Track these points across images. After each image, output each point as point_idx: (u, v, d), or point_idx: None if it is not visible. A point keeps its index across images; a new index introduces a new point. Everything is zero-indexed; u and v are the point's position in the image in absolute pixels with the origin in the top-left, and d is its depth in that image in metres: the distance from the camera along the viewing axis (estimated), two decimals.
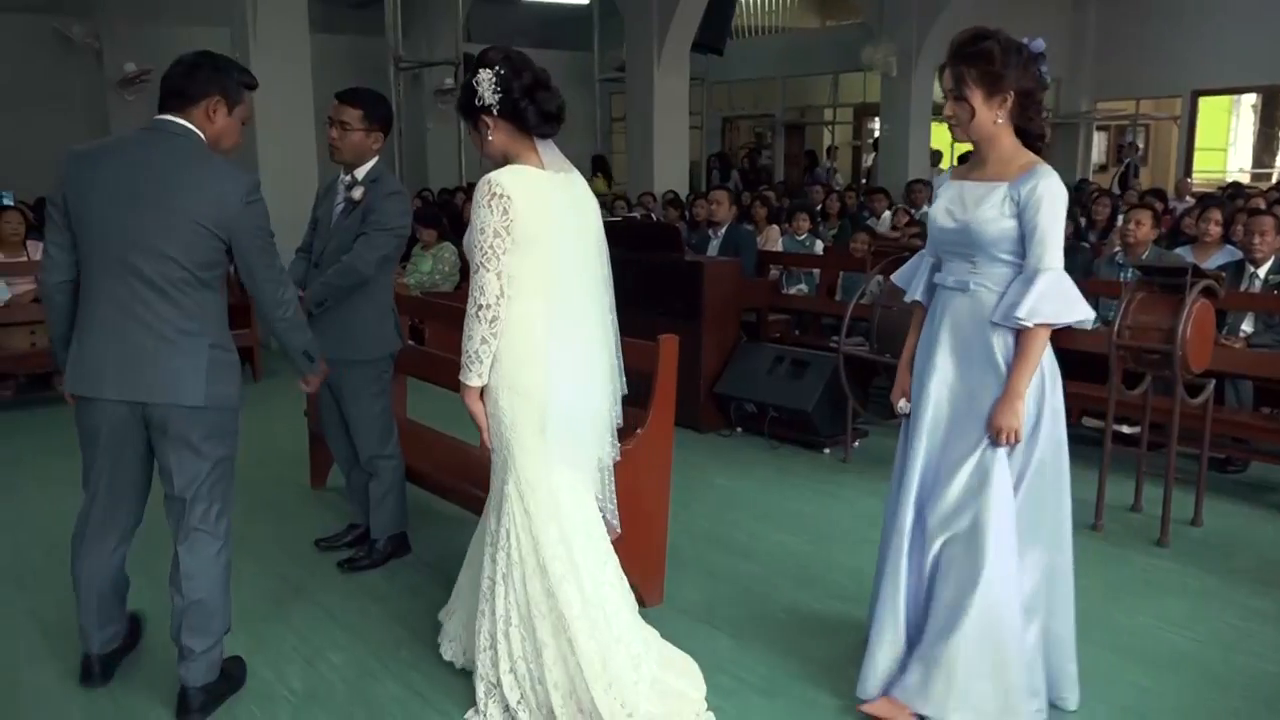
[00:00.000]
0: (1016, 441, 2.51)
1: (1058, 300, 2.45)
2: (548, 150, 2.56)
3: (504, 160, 2.55)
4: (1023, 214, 2.48)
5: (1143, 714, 2.79)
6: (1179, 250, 5.81)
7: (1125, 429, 4.85)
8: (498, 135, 2.53)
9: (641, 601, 3.30)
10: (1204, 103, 15.46)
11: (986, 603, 2.51)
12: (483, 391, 2.55)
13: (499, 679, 2.59)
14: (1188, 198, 11.26)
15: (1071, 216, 8.08)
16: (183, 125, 2.62)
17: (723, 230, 6.73)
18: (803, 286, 7.18)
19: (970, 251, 2.57)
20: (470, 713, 2.69)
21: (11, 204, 7.74)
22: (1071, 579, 2.71)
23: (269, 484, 4.68)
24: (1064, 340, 5.21)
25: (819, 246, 7.72)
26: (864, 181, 15.39)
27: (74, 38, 12.18)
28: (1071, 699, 2.74)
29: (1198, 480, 4.21)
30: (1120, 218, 7.30)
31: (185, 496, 2.65)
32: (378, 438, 3.62)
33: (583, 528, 2.59)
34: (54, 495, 4.42)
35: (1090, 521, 4.15)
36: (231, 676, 2.84)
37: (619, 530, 2.72)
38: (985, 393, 2.55)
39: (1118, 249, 5.66)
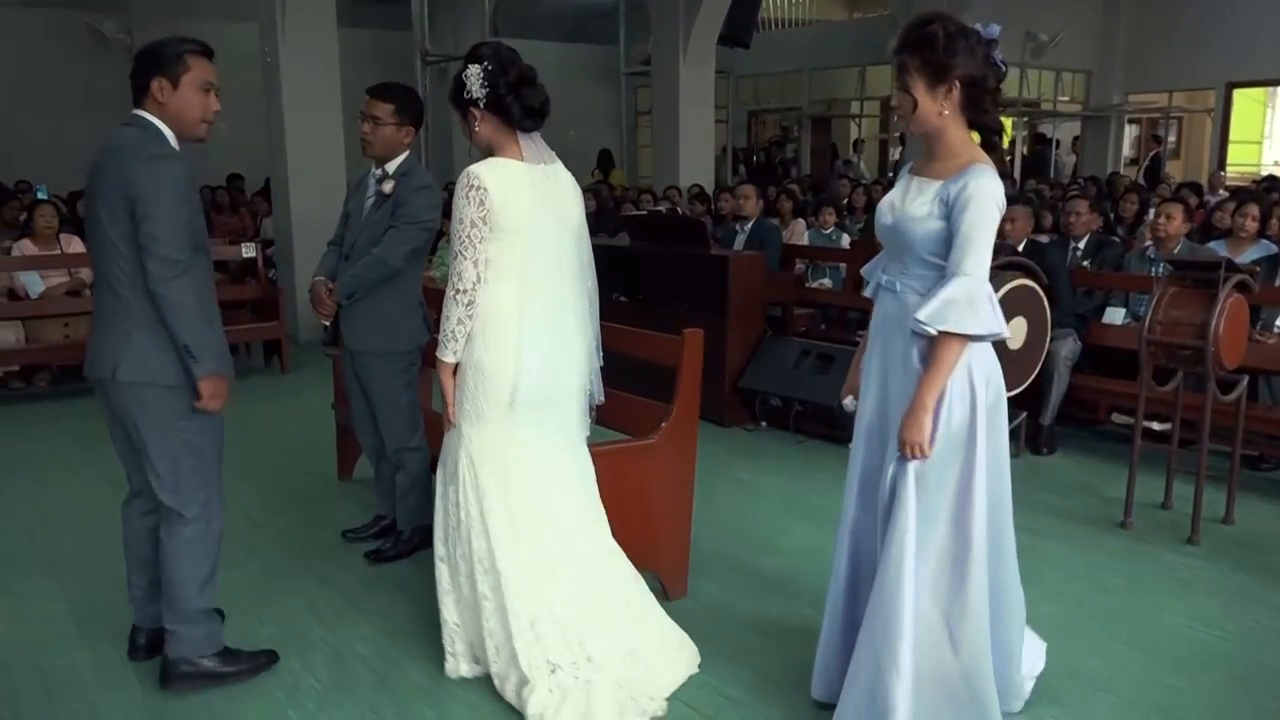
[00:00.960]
0: (922, 456, 2.33)
1: (964, 308, 2.27)
2: (531, 142, 2.73)
3: (489, 150, 2.72)
4: (950, 215, 2.31)
5: (1172, 713, 2.76)
6: (1212, 244, 5.73)
7: (1156, 426, 4.79)
8: (484, 127, 2.71)
9: (665, 594, 3.33)
10: (1238, 95, 15.19)
11: (873, 627, 2.41)
12: (456, 367, 2.73)
13: (459, 621, 2.85)
14: (1221, 191, 11.11)
15: (1101, 211, 7.99)
16: (136, 114, 2.67)
17: (749, 224, 6.71)
18: (826, 280, 7.14)
19: (901, 250, 2.44)
20: (448, 658, 2.89)
21: (45, 198, 7.84)
22: (1020, 590, 2.61)
23: (297, 475, 4.73)
24: (1094, 335, 5.22)
25: (845, 240, 7.68)
26: (891, 175, 15.28)
27: (106, 33, 12.33)
28: (1016, 704, 2.67)
29: (1229, 478, 4.16)
30: (1150, 212, 7.20)
31: (144, 471, 2.75)
32: (405, 429, 3.64)
33: (538, 499, 2.74)
34: (87, 484, 4.49)
35: (1119, 519, 4.11)
36: (217, 674, 2.84)
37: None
38: (901, 401, 2.41)
39: (1148, 243, 5.60)
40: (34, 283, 6.43)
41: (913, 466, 2.35)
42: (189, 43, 2.71)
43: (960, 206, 2.28)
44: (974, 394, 2.37)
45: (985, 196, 2.27)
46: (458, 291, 2.66)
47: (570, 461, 2.84)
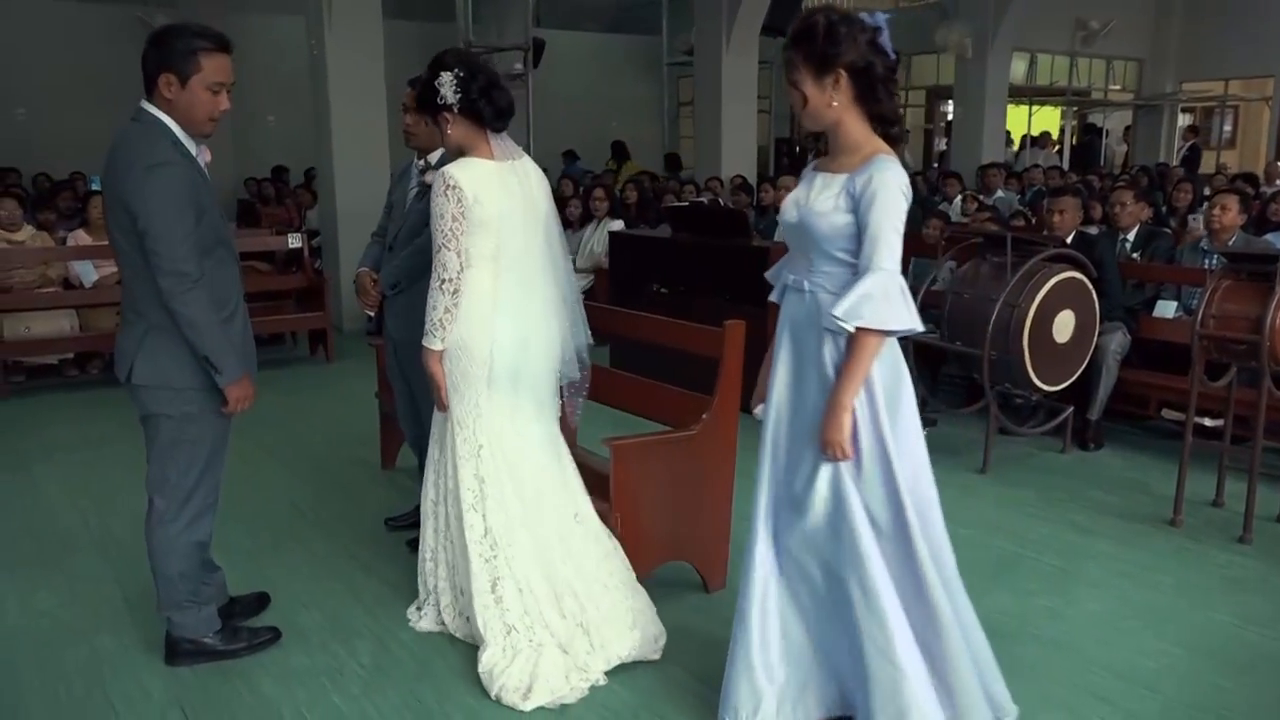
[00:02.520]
0: (844, 457, 2.28)
1: (880, 304, 2.21)
2: (500, 141, 2.93)
3: (459, 151, 2.91)
4: (857, 209, 2.25)
5: (1221, 714, 2.71)
6: (1269, 236, 5.59)
7: (1207, 422, 4.69)
8: (455, 130, 2.89)
9: (704, 586, 3.33)
10: None
11: (890, 660, 2.31)
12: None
13: (436, 585, 3.09)
14: (1278, 182, 10.83)
15: (1151, 202, 7.83)
16: (141, 109, 2.66)
17: None
18: None
19: (808, 248, 2.37)
20: (410, 609, 3.19)
21: (99, 189, 8.00)
22: (966, 598, 2.51)
23: (341, 464, 4.79)
24: (1144, 329, 5.12)
25: None
26: (935, 166, 15.10)
27: (157, 27, 12.56)
28: (1010, 710, 2.54)
29: None
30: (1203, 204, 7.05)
31: (149, 462, 2.80)
32: None
33: (506, 471, 2.91)
34: (138, 470, 4.56)
35: (1168, 516, 4.03)
36: (219, 651, 2.93)
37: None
38: (814, 403, 2.36)
39: (1201, 235, 5.48)
40: (87, 272, 6.57)
41: (845, 468, 2.31)
42: (204, 38, 2.63)
43: (868, 201, 2.23)
44: (871, 388, 2.31)
45: (891, 188, 2.22)
46: (443, 281, 2.82)
47: (541, 437, 2.99)
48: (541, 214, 2.96)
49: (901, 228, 2.24)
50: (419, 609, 3.18)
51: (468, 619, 2.97)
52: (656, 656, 2.94)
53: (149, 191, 2.54)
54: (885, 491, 2.33)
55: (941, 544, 2.41)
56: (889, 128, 2.33)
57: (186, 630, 2.91)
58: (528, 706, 2.70)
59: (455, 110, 2.85)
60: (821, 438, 2.30)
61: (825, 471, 2.34)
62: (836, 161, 2.36)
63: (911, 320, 2.26)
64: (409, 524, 3.93)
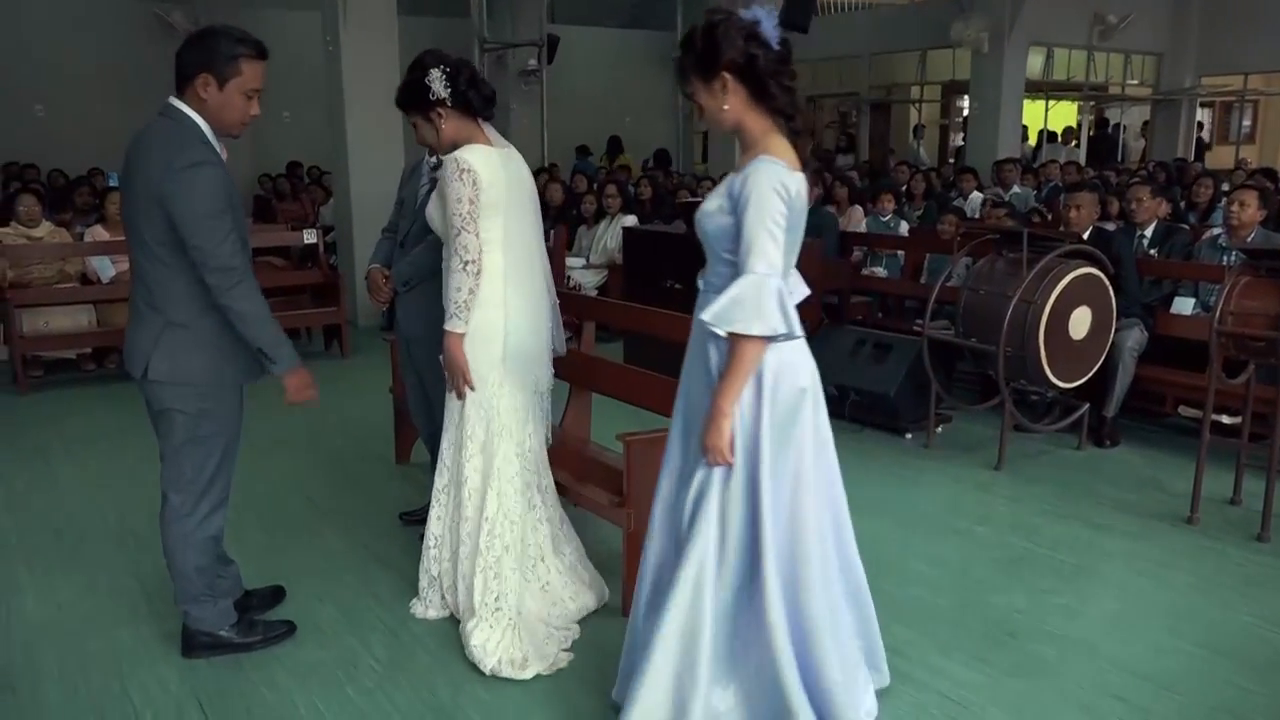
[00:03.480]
0: (724, 463, 2.26)
1: (749, 308, 2.17)
2: (490, 129, 3.06)
3: (454, 146, 2.98)
4: (735, 210, 2.23)
5: (1241, 715, 2.69)
6: None
7: (1225, 419, 4.65)
8: (450, 124, 3.00)
9: None
10: None
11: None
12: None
13: (440, 570, 3.17)
14: None
15: (1169, 198, 7.77)
16: (171, 106, 2.67)
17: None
18: (881, 270, 7.05)
19: (705, 249, 2.36)
20: (413, 602, 3.24)
21: (116, 185, 8.06)
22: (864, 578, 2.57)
23: (355, 459, 4.81)
24: (1161, 326, 5.08)
25: (903, 227, 7.57)
26: (951, 161, 15.02)
27: (174, 23, 12.60)
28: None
29: None
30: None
31: (160, 458, 2.81)
32: None
33: (514, 451, 3.03)
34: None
35: (1185, 514, 4.01)
36: (235, 644, 2.96)
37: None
38: (698, 403, 2.36)
39: (1219, 231, 5.43)
40: (105, 267, 6.61)
41: (717, 473, 2.29)
42: (246, 44, 2.66)
43: (743, 203, 2.20)
44: (760, 395, 2.27)
45: (763, 189, 2.18)
46: (466, 263, 2.89)
47: (536, 412, 3.13)
48: (534, 198, 3.11)
49: (777, 230, 2.19)
50: (423, 600, 3.22)
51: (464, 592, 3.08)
52: (606, 601, 3.21)
53: (191, 190, 2.56)
54: (745, 508, 2.30)
55: (846, 564, 2.49)
56: (789, 122, 2.29)
57: (203, 623, 2.93)
58: (527, 674, 2.83)
59: (448, 104, 2.98)
60: (702, 441, 2.28)
61: (700, 473, 2.33)
62: (740, 161, 2.33)
63: (783, 325, 2.20)
64: (423, 519, 3.91)
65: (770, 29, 2.23)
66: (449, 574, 3.14)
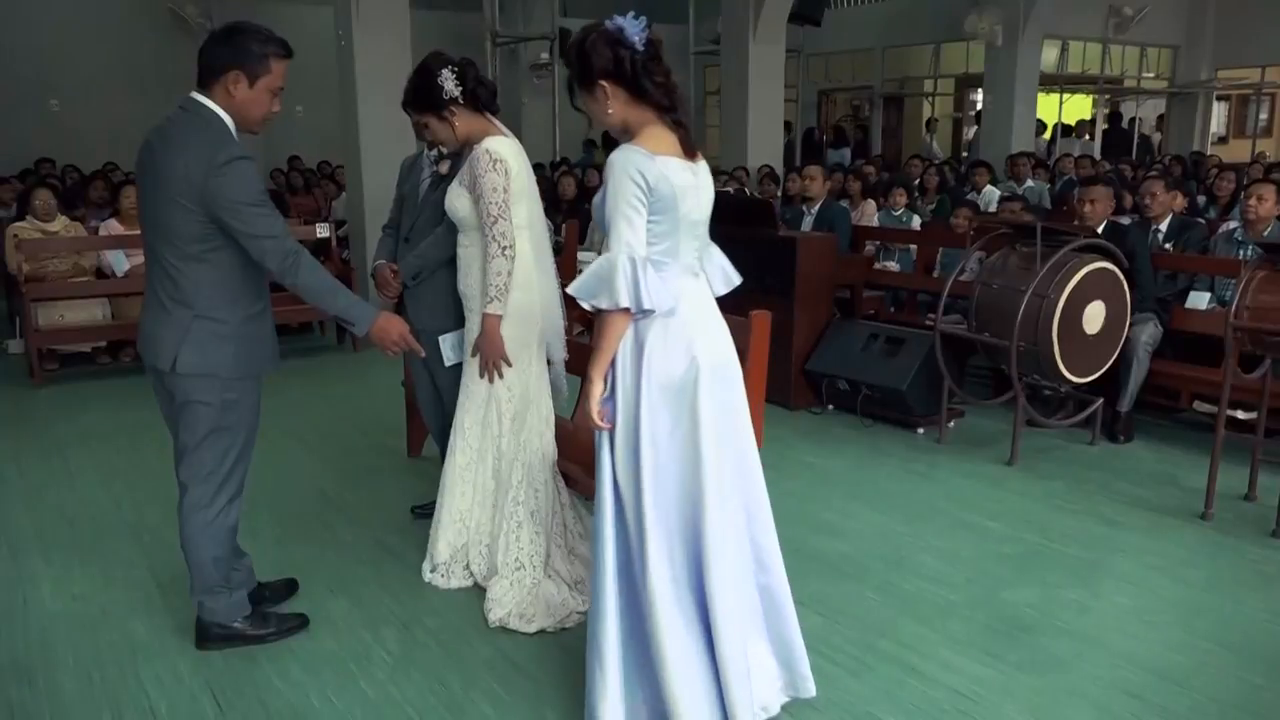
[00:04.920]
0: (598, 427, 2.37)
1: (600, 283, 2.30)
2: (496, 122, 3.22)
3: (466, 141, 3.17)
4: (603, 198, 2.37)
5: (1254, 712, 2.67)
6: None
7: (1240, 414, 4.62)
8: (463, 120, 3.18)
9: None
10: None
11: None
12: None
13: (467, 541, 3.33)
14: None
15: (1185, 191, 7.72)
16: (195, 101, 2.68)
17: (817, 206, 6.64)
18: (894, 264, 7.03)
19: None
20: (424, 566, 3.40)
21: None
22: (782, 564, 2.60)
23: (368, 452, 4.83)
24: (1177, 320, 5.05)
25: (916, 222, 7.54)
26: (965, 155, 14.95)
27: (187, 17, 12.65)
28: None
29: None
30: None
31: (179, 451, 2.84)
32: None
33: (544, 425, 3.26)
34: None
35: (1200, 510, 3.98)
36: (248, 635, 2.98)
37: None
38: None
39: (1235, 225, 5.39)
40: (119, 261, 6.64)
41: (604, 438, 2.40)
42: (273, 43, 2.70)
43: (603, 191, 2.34)
44: (641, 364, 2.35)
45: (616, 174, 2.29)
46: (504, 248, 3.07)
47: (546, 389, 3.31)
48: (538, 188, 3.30)
49: (632, 211, 2.28)
50: (435, 568, 3.37)
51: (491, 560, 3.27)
52: None
53: (239, 184, 2.61)
54: (630, 470, 2.37)
55: (760, 561, 2.55)
56: (670, 114, 2.38)
57: (217, 615, 2.95)
58: (531, 629, 3.01)
59: (460, 101, 3.15)
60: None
61: (596, 437, 2.44)
62: None
63: (629, 300, 2.27)
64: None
65: (634, 33, 2.35)
66: (476, 544, 3.31)
